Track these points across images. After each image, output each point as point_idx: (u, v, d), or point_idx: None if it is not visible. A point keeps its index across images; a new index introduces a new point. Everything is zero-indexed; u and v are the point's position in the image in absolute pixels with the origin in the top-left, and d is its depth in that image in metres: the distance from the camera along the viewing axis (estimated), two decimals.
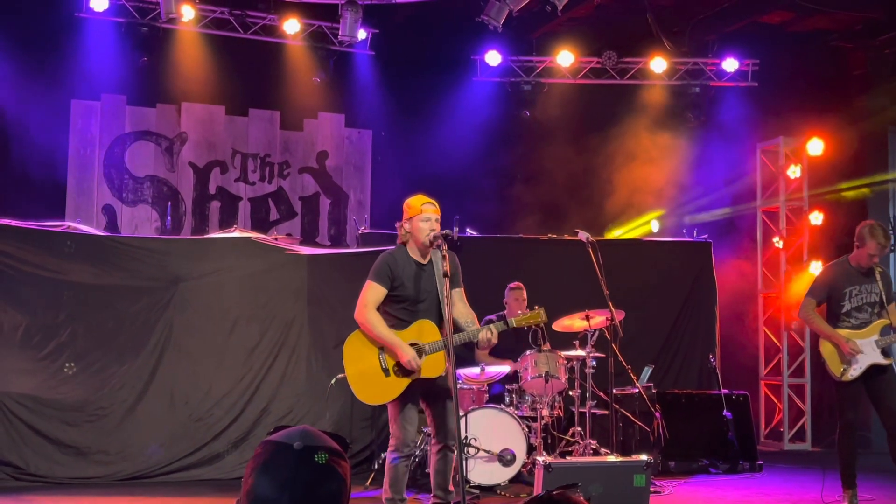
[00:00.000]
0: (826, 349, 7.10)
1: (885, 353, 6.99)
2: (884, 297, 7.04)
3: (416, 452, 7.86)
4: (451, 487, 5.99)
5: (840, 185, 11.41)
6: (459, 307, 5.87)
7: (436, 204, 5.93)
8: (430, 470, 6.06)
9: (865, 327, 7.03)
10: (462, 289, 6.02)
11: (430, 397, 5.96)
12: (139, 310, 8.48)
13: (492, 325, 5.86)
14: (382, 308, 5.96)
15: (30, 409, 8.05)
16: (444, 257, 5.70)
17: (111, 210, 11.31)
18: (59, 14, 10.54)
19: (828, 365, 7.11)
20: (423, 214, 5.86)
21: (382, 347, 5.83)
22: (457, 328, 5.80)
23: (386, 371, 5.81)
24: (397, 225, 6.02)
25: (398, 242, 6.03)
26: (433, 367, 5.79)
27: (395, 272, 5.86)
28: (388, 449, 5.93)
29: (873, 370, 6.96)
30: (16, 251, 8.22)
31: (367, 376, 5.83)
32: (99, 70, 10.86)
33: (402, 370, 5.79)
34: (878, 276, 7.06)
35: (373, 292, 5.86)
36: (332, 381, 7.94)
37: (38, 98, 10.51)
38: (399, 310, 5.91)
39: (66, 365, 8.21)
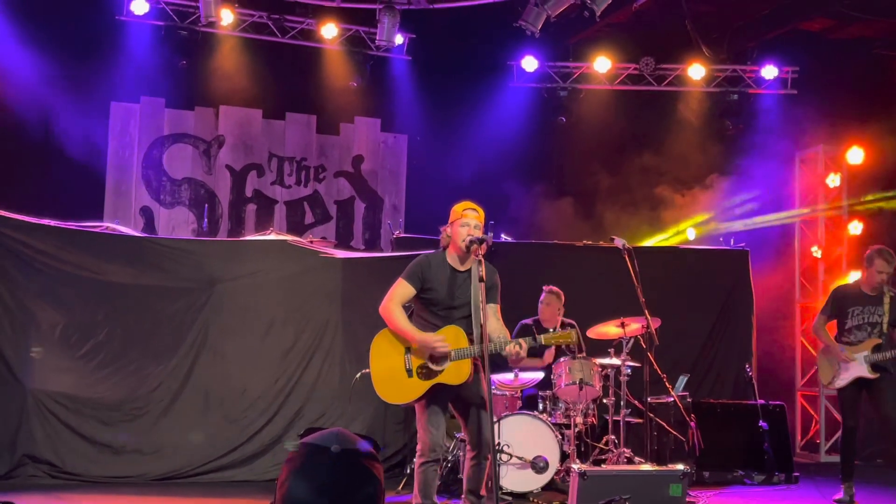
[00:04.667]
0: (819, 359, 8.19)
1: (876, 368, 7.76)
2: (886, 321, 7.81)
3: (448, 458, 7.87)
4: (483, 492, 5.97)
5: (880, 194, 11.27)
6: (492, 322, 5.80)
7: (479, 210, 5.91)
8: (463, 475, 6.06)
9: (860, 344, 7.85)
10: (498, 306, 5.97)
11: (462, 405, 5.93)
12: (176, 310, 8.53)
13: (521, 340, 5.75)
14: (416, 313, 5.97)
15: (66, 407, 8.12)
16: (479, 262, 5.66)
17: (149, 212, 11.41)
18: (100, 17, 10.67)
19: (819, 373, 8.23)
20: (463, 219, 5.84)
21: (409, 348, 5.82)
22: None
23: (409, 372, 5.79)
24: (441, 228, 6.01)
25: (440, 246, 6.03)
26: (457, 373, 5.74)
27: (427, 274, 5.87)
28: (416, 454, 5.93)
29: (863, 382, 7.81)
30: (55, 251, 8.30)
31: (390, 374, 5.83)
32: (138, 73, 10.98)
33: (425, 372, 5.77)
34: (886, 300, 7.82)
35: (400, 289, 5.88)
36: (357, 376, 7.91)
37: (79, 100, 10.65)
38: (432, 314, 5.89)
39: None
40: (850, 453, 8.00)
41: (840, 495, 7.97)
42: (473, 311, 5.76)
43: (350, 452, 2.13)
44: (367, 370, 5.99)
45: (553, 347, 8.47)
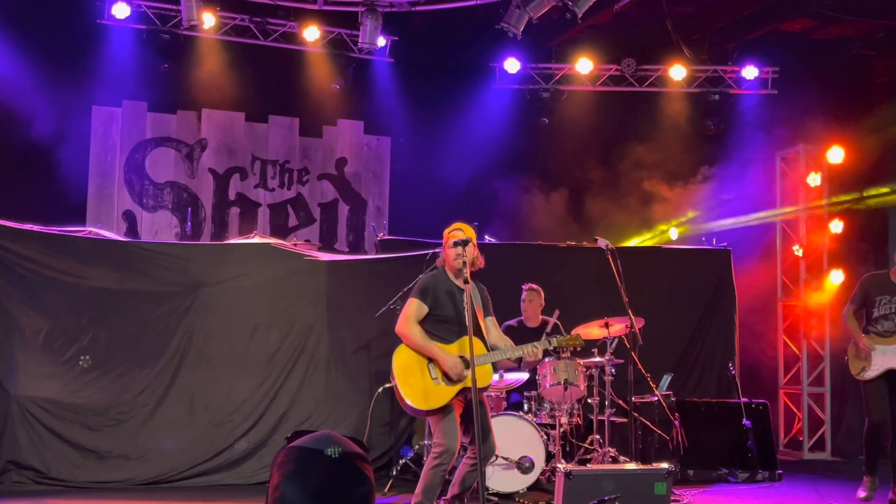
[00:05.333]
0: (850, 350, 7.84)
1: None
2: None
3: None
4: (465, 499, 6.19)
5: (860, 193, 11.35)
6: (494, 333, 6.21)
7: (464, 229, 6.20)
8: (456, 475, 6.16)
9: (891, 335, 7.57)
10: (494, 318, 6.33)
11: (467, 413, 6.08)
12: (160, 315, 8.52)
13: (537, 343, 6.16)
14: (429, 331, 6.13)
15: (51, 413, 8.09)
16: (464, 263, 5.97)
17: (131, 216, 11.38)
18: (82, 21, 10.63)
19: (849, 364, 7.82)
20: (450, 241, 6.16)
21: (430, 359, 6.01)
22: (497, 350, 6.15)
23: (435, 380, 6.00)
24: (439, 252, 6.39)
25: (439, 267, 6.36)
26: (480, 377, 5.91)
27: (436, 292, 6.13)
28: (431, 455, 6.04)
29: (892, 375, 7.54)
30: (38, 256, 8.27)
31: (416, 383, 6.01)
32: (120, 76, 10.94)
33: (448, 378, 5.96)
34: None
35: (414, 308, 6.13)
36: (380, 390, 8.07)
37: (60, 104, 10.59)
38: (443, 330, 6.11)
39: (82, 358, 8.22)
40: (874, 449, 7.76)
41: (863, 492, 7.79)
42: (479, 326, 6.09)
43: (345, 455, 2.14)
44: (389, 384, 6.18)
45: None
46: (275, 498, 2.11)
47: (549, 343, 6.27)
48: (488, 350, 6.09)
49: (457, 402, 6.03)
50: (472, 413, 5.97)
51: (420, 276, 6.86)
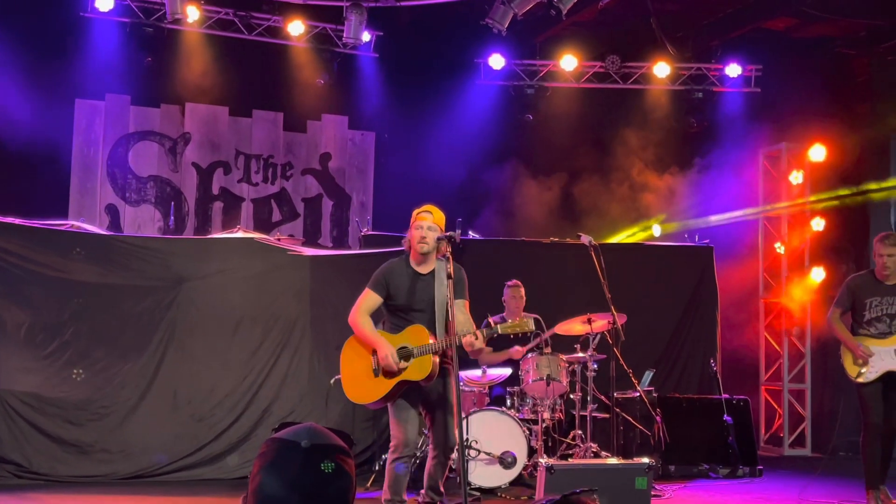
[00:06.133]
0: (843, 354, 7.46)
1: None
2: None
3: (417, 454, 7.91)
4: (442, 489, 6.10)
5: (842, 191, 11.42)
6: (459, 317, 5.89)
7: (435, 212, 5.98)
8: (425, 471, 6.13)
9: (886, 337, 7.29)
10: (466, 301, 6.04)
11: (429, 405, 6.03)
12: (143, 309, 8.50)
13: (477, 331, 5.86)
14: (385, 317, 6.09)
15: (32, 407, 8.07)
16: (447, 259, 5.77)
17: (114, 209, 11.34)
18: (64, 14, 10.57)
19: (845, 368, 7.45)
20: (417, 222, 5.96)
21: (375, 350, 5.90)
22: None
23: (375, 371, 5.90)
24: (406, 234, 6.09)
25: (405, 251, 6.11)
26: (419, 369, 5.82)
27: (390, 281, 5.99)
28: (389, 450, 5.98)
29: (889, 377, 7.24)
30: (20, 249, 8.24)
31: (357, 376, 5.96)
32: (103, 70, 10.88)
33: (387, 371, 5.85)
34: None
35: (367, 298, 6.03)
36: (332, 381, 7.94)
37: (43, 97, 10.53)
38: (398, 318, 6.02)
39: (75, 372, 8.22)
40: (873, 454, 7.29)
41: None
42: (438, 309, 5.86)
43: (320, 447, 2.15)
44: (339, 376, 6.10)
45: (523, 346, 8.53)
46: (254, 487, 2.11)
47: (494, 331, 5.96)
48: (436, 338, 5.83)
49: (410, 390, 5.88)
50: (432, 407, 5.98)
51: None
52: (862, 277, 7.60)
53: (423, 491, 6.12)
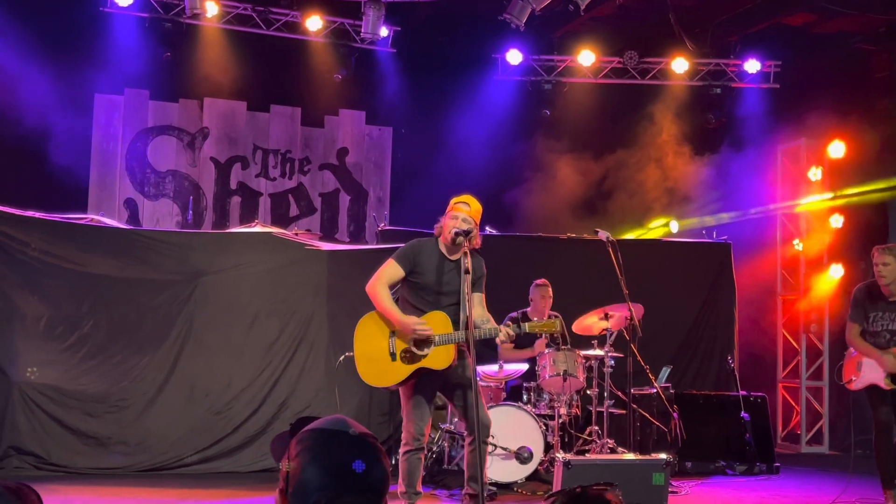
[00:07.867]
0: (846, 358, 7.34)
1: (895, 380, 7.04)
2: None
3: (433, 448, 7.94)
4: (486, 479, 6.07)
5: (861, 187, 11.35)
6: (477, 310, 5.90)
7: (472, 204, 5.98)
8: (464, 463, 6.14)
9: (884, 349, 7.08)
10: (483, 294, 6.07)
11: (451, 392, 6.02)
12: (161, 303, 8.55)
13: (503, 326, 5.89)
14: (404, 298, 6.04)
15: (52, 399, 8.13)
16: (466, 254, 5.76)
17: (133, 204, 11.40)
18: (84, 9, 10.62)
19: (842, 371, 7.36)
20: (453, 212, 5.95)
21: (394, 332, 5.87)
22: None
23: (392, 355, 5.85)
24: (439, 218, 6.07)
25: (435, 234, 6.10)
26: (441, 358, 5.81)
27: (418, 258, 5.95)
28: (401, 443, 6.01)
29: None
30: (39, 243, 8.29)
31: (374, 356, 5.90)
32: (122, 65, 10.94)
33: (408, 357, 5.83)
34: None
35: (390, 269, 5.96)
36: (341, 359, 7.94)
37: (62, 92, 10.60)
38: (420, 299, 5.97)
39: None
40: (885, 453, 7.13)
41: None
42: (461, 300, 5.84)
43: (365, 434, 2.17)
44: (350, 353, 6.04)
45: (543, 339, 8.52)
46: (297, 481, 2.10)
47: (521, 328, 5.96)
48: (457, 329, 5.82)
49: (426, 380, 5.84)
50: (453, 391, 5.97)
51: None
52: (868, 287, 7.37)
53: (465, 486, 6.11)
